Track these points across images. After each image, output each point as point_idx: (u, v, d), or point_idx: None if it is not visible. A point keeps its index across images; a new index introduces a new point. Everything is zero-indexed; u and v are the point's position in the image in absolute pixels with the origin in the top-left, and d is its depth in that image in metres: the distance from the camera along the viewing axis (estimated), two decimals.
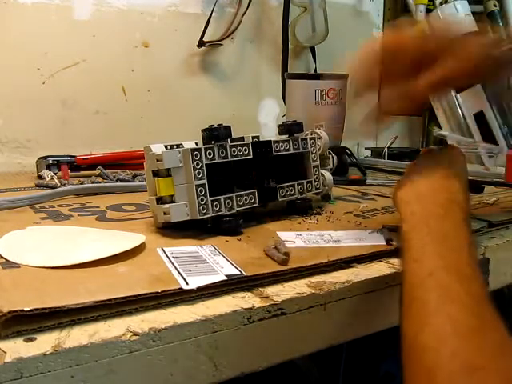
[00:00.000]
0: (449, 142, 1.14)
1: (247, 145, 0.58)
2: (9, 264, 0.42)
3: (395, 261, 0.50)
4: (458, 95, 1.13)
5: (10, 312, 0.32)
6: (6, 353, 0.29)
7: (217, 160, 0.55)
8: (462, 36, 0.47)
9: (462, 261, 0.38)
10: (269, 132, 1.16)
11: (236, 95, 1.21)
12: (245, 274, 0.41)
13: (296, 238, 0.53)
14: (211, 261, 0.44)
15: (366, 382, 0.89)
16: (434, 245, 0.40)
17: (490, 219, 0.62)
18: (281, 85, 1.18)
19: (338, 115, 0.88)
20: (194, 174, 0.52)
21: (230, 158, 0.56)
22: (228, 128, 0.57)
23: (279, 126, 0.66)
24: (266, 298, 0.40)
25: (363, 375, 0.88)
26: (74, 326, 0.33)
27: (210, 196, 0.53)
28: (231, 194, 0.55)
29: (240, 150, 0.57)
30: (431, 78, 0.45)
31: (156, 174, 0.54)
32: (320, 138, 0.70)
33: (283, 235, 0.54)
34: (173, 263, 0.43)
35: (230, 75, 1.20)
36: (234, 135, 0.59)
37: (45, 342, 0.31)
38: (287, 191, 0.63)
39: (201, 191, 0.52)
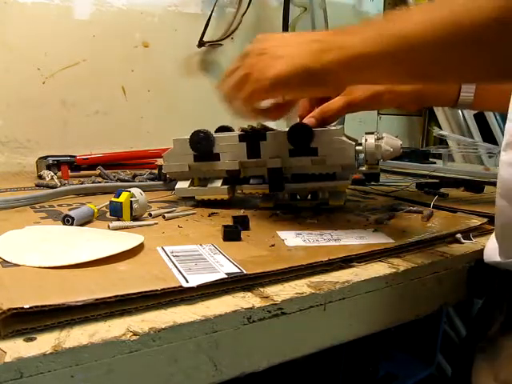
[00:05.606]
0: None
1: None
2: (8, 263, 0.42)
3: (395, 260, 0.50)
4: None
5: (9, 309, 0.31)
6: (6, 353, 0.29)
7: None
8: None
9: None
10: None
11: None
12: (245, 272, 0.41)
13: (296, 237, 0.53)
14: (211, 259, 0.44)
15: (366, 382, 0.89)
16: None
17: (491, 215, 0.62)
18: None
19: None
20: None
21: None
22: None
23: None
24: (266, 297, 0.40)
25: (363, 375, 0.88)
26: (73, 326, 0.33)
27: None
28: None
29: None
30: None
31: None
32: None
33: (283, 234, 0.54)
34: (173, 262, 0.43)
35: None
36: None
37: (45, 342, 0.31)
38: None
39: None
